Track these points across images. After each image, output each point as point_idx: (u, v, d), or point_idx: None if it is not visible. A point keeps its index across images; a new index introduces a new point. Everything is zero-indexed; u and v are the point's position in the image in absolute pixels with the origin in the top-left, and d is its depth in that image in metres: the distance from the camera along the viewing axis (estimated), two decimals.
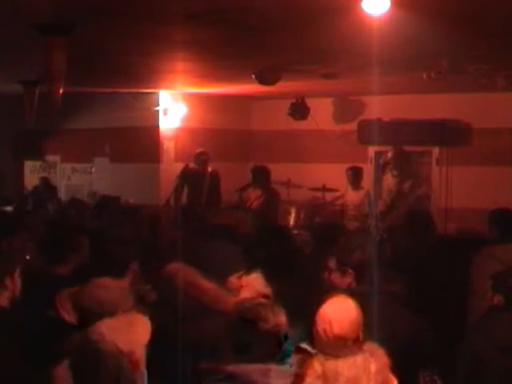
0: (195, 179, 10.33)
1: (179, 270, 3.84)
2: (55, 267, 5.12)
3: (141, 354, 2.58)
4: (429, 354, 4.05)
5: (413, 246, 6.11)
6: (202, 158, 10.45)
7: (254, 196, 9.92)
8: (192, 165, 10.40)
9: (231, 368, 2.93)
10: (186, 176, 10.22)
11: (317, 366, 3.21)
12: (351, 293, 4.16)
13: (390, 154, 10.11)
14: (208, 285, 3.77)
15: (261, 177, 10.04)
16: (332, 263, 4.41)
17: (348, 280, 4.32)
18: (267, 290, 4.18)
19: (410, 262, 5.56)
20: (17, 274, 4.07)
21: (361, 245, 4.49)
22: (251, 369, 2.94)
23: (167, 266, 3.97)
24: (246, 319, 3.11)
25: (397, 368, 3.58)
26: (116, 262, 4.61)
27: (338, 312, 3.44)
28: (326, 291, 4.34)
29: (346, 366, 3.25)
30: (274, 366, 3.06)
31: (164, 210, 9.72)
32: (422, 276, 5.28)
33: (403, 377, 3.57)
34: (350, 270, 4.31)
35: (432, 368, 3.78)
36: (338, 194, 10.80)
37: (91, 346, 2.43)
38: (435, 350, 4.12)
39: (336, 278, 4.40)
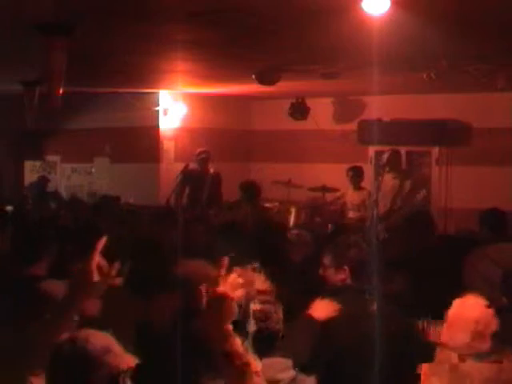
0: (196, 180, 10.31)
1: (192, 265, 3.92)
2: (30, 268, 4.91)
3: None
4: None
5: (413, 245, 6.10)
6: (202, 157, 10.42)
7: (244, 214, 9.88)
8: (193, 165, 10.38)
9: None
10: (187, 177, 10.20)
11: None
12: (348, 289, 4.21)
13: (385, 156, 10.11)
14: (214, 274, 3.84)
15: (249, 193, 9.86)
16: (327, 260, 4.45)
17: (342, 276, 4.36)
18: (267, 286, 4.20)
19: (411, 261, 5.56)
20: None
21: (357, 243, 4.52)
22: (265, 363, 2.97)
23: (184, 262, 4.04)
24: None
25: (397, 369, 3.59)
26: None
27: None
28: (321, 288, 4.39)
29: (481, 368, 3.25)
30: (279, 359, 3.08)
31: (164, 209, 9.72)
32: (422, 276, 5.28)
33: (404, 378, 3.57)
34: (345, 267, 4.35)
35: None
36: (338, 194, 10.80)
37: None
38: None
39: (330, 274, 4.44)
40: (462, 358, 3.42)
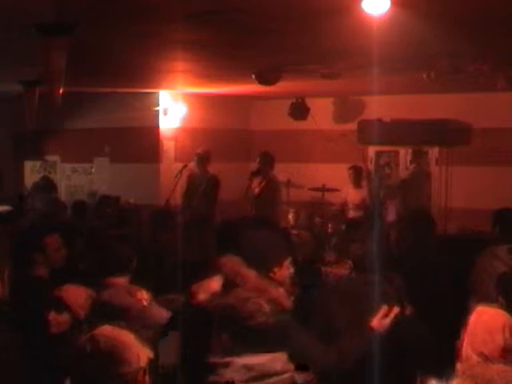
0: (194, 182, 10.21)
1: (227, 260, 4.00)
2: (33, 269, 4.98)
3: None
4: (428, 356, 4.05)
5: (413, 245, 6.09)
6: (202, 156, 10.33)
7: (257, 183, 10.02)
8: (191, 165, 10.33)
9: (242, 360, 2.97)
10: (190, 178, 10.14)
11: None
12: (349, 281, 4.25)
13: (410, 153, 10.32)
14: (250, 274, 3.90)
15: (264, 163, 10.12)
16: (330, 256, 4.52)
17: (345, 271, 4.42)
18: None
19: (411, 261, 5.55)
20: (6, 275, 4.04)
21: (360, 237, 4.57)
22: (263, 358, 2.99)
23: (219, 258, 4.12)
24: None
25: (396, 370, 3.59)
26: (119, 260, 4.61)
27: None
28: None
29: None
30: (280, 354, 3.11)
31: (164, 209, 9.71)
32: (422, 276, 5.28)
33: (402, 379, 3.57)
34: (350, 262, 4.41)
35: (431, 370, 3.77)
36: (342, 196, 10.80)
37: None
38: (434, 351, 4.12)
39: (332, 268, 4.50)
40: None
